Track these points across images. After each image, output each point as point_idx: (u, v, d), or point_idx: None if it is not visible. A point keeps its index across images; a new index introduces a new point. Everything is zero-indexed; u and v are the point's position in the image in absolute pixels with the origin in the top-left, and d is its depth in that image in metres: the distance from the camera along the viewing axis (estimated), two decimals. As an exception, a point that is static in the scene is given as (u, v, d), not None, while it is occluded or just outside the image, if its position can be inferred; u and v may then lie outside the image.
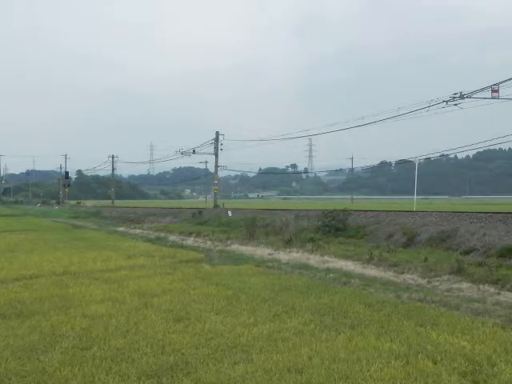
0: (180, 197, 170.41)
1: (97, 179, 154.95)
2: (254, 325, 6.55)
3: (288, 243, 17.32)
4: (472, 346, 5.56)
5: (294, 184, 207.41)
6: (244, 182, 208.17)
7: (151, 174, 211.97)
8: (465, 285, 9.91)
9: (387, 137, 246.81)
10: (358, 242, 17.20)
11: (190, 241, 20.66)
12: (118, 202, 78.99)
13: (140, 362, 5.19)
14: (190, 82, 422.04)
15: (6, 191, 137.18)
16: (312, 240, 17.33)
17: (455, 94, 29.66)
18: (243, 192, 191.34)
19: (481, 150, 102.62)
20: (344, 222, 19.60)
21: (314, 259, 13.97)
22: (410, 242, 15.78)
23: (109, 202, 79.76)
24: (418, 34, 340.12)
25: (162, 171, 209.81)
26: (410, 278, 10.94)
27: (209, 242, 19.46)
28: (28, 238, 21.54)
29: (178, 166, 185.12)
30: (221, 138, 48.84)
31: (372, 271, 11.90)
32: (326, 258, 14.11)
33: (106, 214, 45.57)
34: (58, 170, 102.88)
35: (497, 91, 27.46)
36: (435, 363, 5.07)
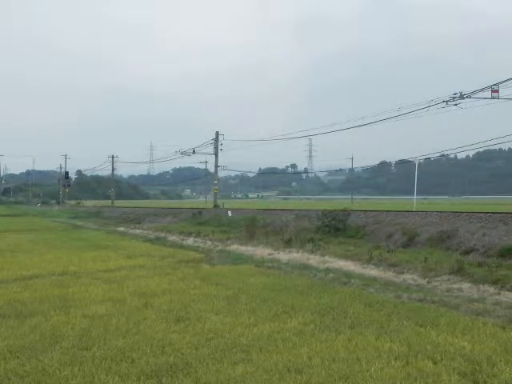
0: (180, 197, 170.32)
1: (97, 179, 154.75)
2: (254, 325, 6.55)
3: (288, 243, 17.31)
4: (472, 346, 5.55)
5: (293, 184, 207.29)
6: (244, 182, 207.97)
7: (151, 174, 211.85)
8: (465, 285, 9.91)
9: (387, 137, 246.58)
10: (357, 242, 17.20)
11: (190, 241, 20.65)
12: (117, 202, 78.93)
13: (140, 362, 5.18)
14: (190, 82, 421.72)
15: (5, 191, 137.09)
16: (312, 240, 17.31)
17: (455, 94, 29.71)
18: (243, 192, 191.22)
19: (481, 150, 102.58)
20: (344, 222, 19.60)
21: (313, 259, 13.96)
22: (409, 242, 15.78)
23: (109, 202, 79.75)
24: (418, 33, 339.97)
25: (161, 171, 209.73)
26: (409, 278, 10.94)
27: (209, 242, 19.46)
28: (28, 238, 21.55)
29: (178, 166, 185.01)
30: (221, 138, 48.96)
31: (372, 271, 11.90)
32: (326, 258, 14.10)
33: (105, 214, 45.58)
34: (58, 170, 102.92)
35: (497, 91, 27.48)
36: (435, 363, 5.07)
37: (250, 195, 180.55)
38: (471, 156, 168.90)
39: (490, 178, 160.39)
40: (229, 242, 18.93)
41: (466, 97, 29.41)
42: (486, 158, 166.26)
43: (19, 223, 35.82)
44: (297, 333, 6.19)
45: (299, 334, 6.16)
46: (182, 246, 18.36)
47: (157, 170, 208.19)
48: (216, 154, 49.29)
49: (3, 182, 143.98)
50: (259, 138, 67.07)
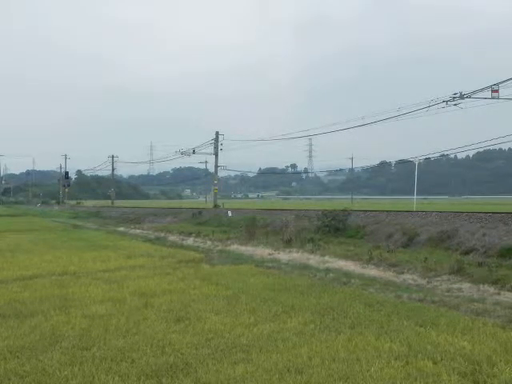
0: (180, 197, 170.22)
1: (97, 179, 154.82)
2: (254, 325, 6.55)
3: (288, 243, 17.31)
4: (472, 346, 5.55)
5: (293, 184, 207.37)
6: (244, 182, 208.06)
7: (151, 174, 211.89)
8: (465, 285, 9.91)
9: (387, 137, 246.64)
10: (357, 242, 17.20)
11: (190, 241, 20.65)
12: (117, 202, 78.97)
13: (140, 362, 5.18)
14: (190, 82, 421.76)
15: (5, 191, 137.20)
16: (312, 240, 17.31)
17: (455, 94, 29.71)
18: (243, 192, 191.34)
19: (481, 150, 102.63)
20: (344, 222, 19.60)
21: (313, 259, 13.96)
22: (409, 242, 15.78)
23: (108, 202, 79.78)
24: (418, 33, 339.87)
25: (161, 171, 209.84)
26: (409, 278, 10.94)
27: (209, 242, 19.46)
28: (28, 238, 21.54)
29: (178, 166, 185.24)
30: (220, 138, 48.98)
31: (372, 271, 11.90)
32: (326, 258, 14.10)
33: (105, 214, 45.58)
34: (58, 170, 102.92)
35: (497, 91, 27.48)
36: (435, 363, 5.07)
37: (250, 195, 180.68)
38: (471, 156, 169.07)
39: (490, 178, 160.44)
40: (229, 242, 18.94)
41: (466, 97, 29.41)
42: (486, 157, 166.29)
43: (19, 223, 35.81)
44: (297, 333, 6.18)
45: (299, 334, 6.15)
46: (182, 246, 18.36)
47: (157, 170, 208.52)
48: (216, 154, 49.29)
49: (3, 182, 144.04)
50: (259, 138, 67.30)
